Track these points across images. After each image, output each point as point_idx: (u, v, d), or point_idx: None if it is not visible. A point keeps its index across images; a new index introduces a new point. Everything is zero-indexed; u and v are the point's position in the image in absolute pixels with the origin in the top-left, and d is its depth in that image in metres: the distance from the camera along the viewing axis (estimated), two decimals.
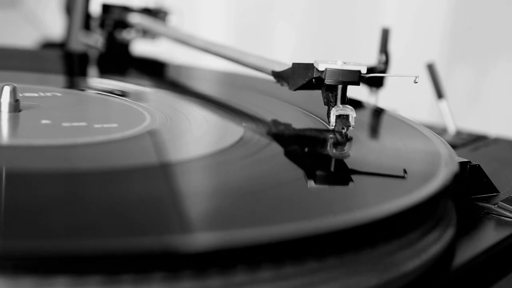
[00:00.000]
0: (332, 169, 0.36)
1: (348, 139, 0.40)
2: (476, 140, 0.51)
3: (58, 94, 0.46)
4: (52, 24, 0.99)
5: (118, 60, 0.63)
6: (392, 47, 0.51)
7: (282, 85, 0.45)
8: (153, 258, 0.24)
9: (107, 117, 0.43)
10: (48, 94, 0.45)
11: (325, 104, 0.41)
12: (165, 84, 0.58)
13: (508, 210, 0.36)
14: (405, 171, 0.34)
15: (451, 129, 0.53)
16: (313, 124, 0.43)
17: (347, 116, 0.40)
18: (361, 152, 0.39)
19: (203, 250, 0.24)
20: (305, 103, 0.47)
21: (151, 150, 0.36)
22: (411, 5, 0.93)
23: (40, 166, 0.32)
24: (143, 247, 0.24)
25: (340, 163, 0.38)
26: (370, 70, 0.45)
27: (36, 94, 0.45)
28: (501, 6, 0.88)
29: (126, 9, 0.64)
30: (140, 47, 0.67)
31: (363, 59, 0.47)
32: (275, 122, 0.43)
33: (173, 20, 0.65)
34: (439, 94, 0.55)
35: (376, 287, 0.27)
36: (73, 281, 0.23)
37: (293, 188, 0.32)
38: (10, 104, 0.39)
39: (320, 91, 0.42)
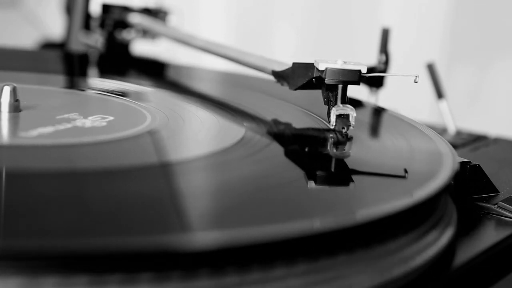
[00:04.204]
0: (333, 169, 0.36)
1: (348, 138, 0.40)
2: (476, 140, 0.51)
3: (58, 94, 0.46)
4: (52, 24, 0.99)
5: (118, 60, 0.63)
6: (392, 47, 0.51)
7: (282, 84, 0.45)
8: (153, 257, 0.24)
9: (107, 117, 0.43)
10: (48, 94, 0.45)
11: (325, 104, 0.41)
12: (165, 84, 0.58)
13: (508, 210, 0.36)
14: (405, 171, 0.34)
15: (451, 129, 0.53)
16: (313, 123, 0.43)
17: (347, 115, 0.40)
18: (361, 151, 0.39)
19: (204, 249, 0.24)
20: (306, 103, 0.47)
21: (151, 150, 0.36)
22: (411, 5, 0.93)
23: (40, 166, 0.32)
24: (143, 246, 0.24)
25: (341, 162, 0.38)
26: (370, 70, 0.45)
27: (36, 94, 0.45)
28: (501, 6, 0.88)
29: (126, 9, 0.64)
30: (140, 47, 0.67)
31: (363, 59, 0.47)
32: (276, 122, 0.43)
33: (173, 20, 0.65)
34: (439, 94, 0.55)
35: (377, 287, 0.27)
36: (73, 279, 0.23)
37: (293, 188, 0.32)
38: (10, 104, 0.39)
39: (320, 90, 0.42)
